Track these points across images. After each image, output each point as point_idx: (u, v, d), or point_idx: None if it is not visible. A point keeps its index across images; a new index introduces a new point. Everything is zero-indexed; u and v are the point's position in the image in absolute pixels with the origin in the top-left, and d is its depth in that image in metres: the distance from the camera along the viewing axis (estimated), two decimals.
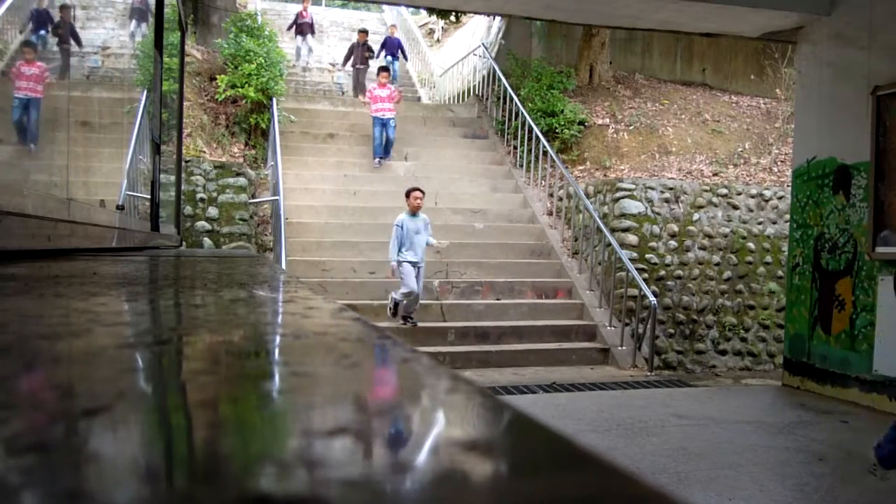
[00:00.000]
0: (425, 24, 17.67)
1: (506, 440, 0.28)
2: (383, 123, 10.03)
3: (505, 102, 11.14)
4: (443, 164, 10.41)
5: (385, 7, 17.50)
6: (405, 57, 15.07)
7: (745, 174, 10.33)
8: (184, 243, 6.78)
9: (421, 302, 7.84)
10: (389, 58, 14.43)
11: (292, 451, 0.25)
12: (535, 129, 9.82)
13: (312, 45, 15.38)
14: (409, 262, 7.21)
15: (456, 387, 0.34)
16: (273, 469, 0.23)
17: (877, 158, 5.69)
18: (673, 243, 8.50)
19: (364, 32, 13.76)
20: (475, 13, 12.02)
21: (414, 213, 7.41)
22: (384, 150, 10.11)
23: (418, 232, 7.32)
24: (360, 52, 13.29)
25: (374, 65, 13.91)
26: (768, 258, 8.76)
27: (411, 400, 0.35)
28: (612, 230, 8.25)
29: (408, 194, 7.52)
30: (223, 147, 9.82)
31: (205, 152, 9.24)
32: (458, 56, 13.51)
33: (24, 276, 1.12)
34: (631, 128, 11.01)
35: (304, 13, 15.23)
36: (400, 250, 7.23)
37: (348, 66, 13.53)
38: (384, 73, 10.35)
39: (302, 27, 15.15)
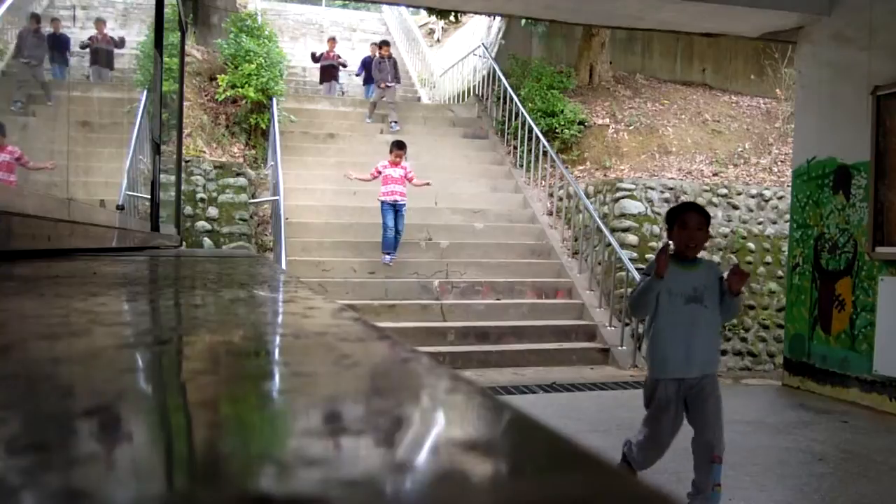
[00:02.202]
0: (425, 24, 17.67)
1: (506, 440, 0.28)
2: (395, 209, 8.08)
3: (505, 102, 11.14)
4: (443, 163, 10.41)
5: (385, 7, 17.49)
6: (397, 80, 12.43)
7: (745, 174, 10.33)
8: (184, 243, 6.78)
9: (421, 302, 7.85)
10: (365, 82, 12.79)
11: (292, 451, 0.25)
12: (535, 129, 9.82)
13: (335, 92, 13.07)
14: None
15: (456, 387, 0.34)
16: (273, 469, 0.23)
17: (877, 158, 5.69)
18: None
19: (386, 45, 12.03)
20: (475, 13, 12.02)
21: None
22: (395, 243, 8.16)
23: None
24: (388, 66, 11.52)
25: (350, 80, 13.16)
26: (768, 258, 8.76)
27: (411, 400, 0.35)
28: (612, 230, 8.25)
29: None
30: (223, 147, 9.82)
31: (205, 152, 9.24)
32: (458, 56, 13.51)
33: (24, 276, 1.12)
34: (631, 128, 11.01)
35: (329, 53, 12.99)
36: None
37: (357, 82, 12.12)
38: (399, 151, 8.18)
39: (328, 70, 12.84)
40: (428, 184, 8.39)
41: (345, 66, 13.17)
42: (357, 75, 13.28)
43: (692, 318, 3.28)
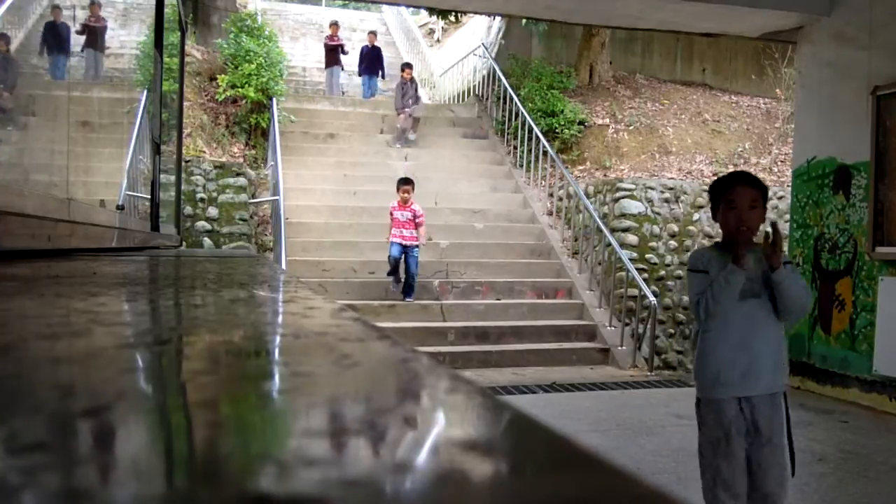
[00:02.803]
0: (425, 24, 17.67)
1: (506, 440, 0.28)
2: (405, 250, 7.64)
3: (505, 102, 11.14)
4: (443, 163, 10.41)
5: (385, 7, 17.49)
6: (382, 73, 13.22)
7: None
8: (184, 243, 6.78)
9: (421, 302, 7.85)
10: (365, 77, 13.05)
11: (292, 451, 0.25)
12: (535, 129, 9.82)
13: (339, 78, 13.25)
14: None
15: (456, 387, 0.34)
16: (273, 469, 0.23)
17: (877, 158, 5.69)
18: (673, 243, 8.50)
19: (409, 67, 11.53)
20: (475, 13, 12.01)
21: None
22: (408, 287, 7.72)
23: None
24: (411, 89, 11.12)
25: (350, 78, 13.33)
26: None
27: (411, 400, 0.35)
28: (612, 230, 8.25)
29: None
30: (223, 147, 9.82)
31: (205, 152, 9.24)
32: (458, 56, 13.51)
33: (24, 276, 1.12)
34: (631, 128, 11.01)
35: (333, 37, 13.19)
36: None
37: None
38: (406, 187, 7.73)
39: (331, 54, 13.08)
40: (430, 239, 8.20)
41: (346, 52, 13.30)
42: (360, 74, 13.28)
43: (750, 316, 2.53)
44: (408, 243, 7.65)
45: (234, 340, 0.56)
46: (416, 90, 11.32)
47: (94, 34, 2.40)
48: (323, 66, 13.72)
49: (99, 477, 0.23)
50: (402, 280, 7.76)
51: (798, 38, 6.67)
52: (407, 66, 11.51)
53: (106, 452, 0.26)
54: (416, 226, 7.71)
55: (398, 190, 7.81)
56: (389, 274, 7.81)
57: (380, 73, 13.21)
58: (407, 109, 10.92)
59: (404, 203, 7.75)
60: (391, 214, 7.79)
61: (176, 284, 1.26)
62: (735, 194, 2.56)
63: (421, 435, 0.29)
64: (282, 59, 10.70)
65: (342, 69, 13.35)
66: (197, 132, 9.51)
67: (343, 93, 13.14)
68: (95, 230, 2.13)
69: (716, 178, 2.81)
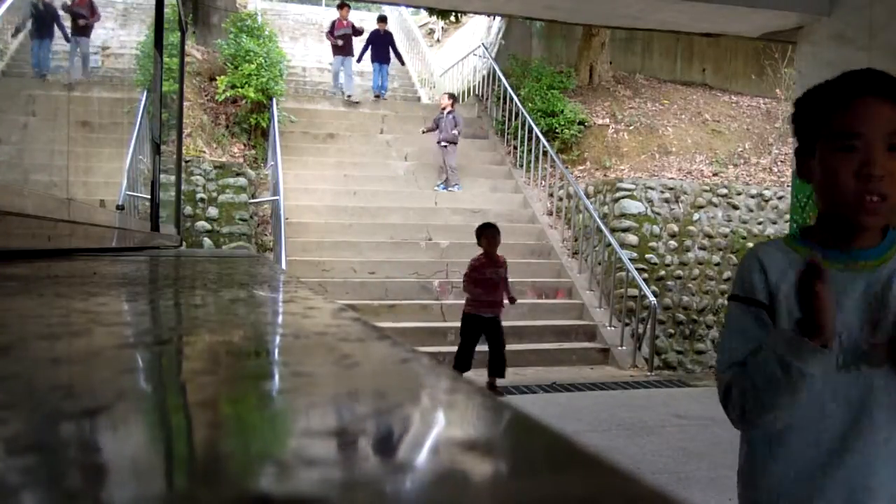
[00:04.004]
0: (425, 24, 17.67)
1: (506, 440, 0.28)
2: (488, 325, 5.88)
3: (505, 102, 11.14)
4: (441, 164, 10.41)
5: (385, 7, 17.47)
6: (399, 58, 12.46)
7: (745, 174, 10.34)
8: (184, 243, 6.78)
9: (421, 302, 7.84)
10: (377, 64, 12.02)
11: (292, 451, 0.25)
12: (535, 129, 9.82)
13: (352, 69, 11.95)
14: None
15: (456, 387, 0.34)
16: (273, 469, 0.23)
17: None
18: (673, 243, 8.50)
19: (452, 98, 10.31)
20: (475, 13, 12.01)
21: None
22: (499, 362, 5.82)
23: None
24: (450, 123, 9.85)
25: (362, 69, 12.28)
26: None
27: (411, 400, 0.35)
28: (612, 230, 8.25)
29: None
30: (223, 147, 9.82)
31: (205, 152, 9.24)
32: (458, 56, 13.51)
33: (24, 276, 1.12)
34: (631, 128, 11.01)
35: (342, 21, 11.90)
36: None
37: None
38: (496, 237, 5.86)
39: (340, 42, 11.79)
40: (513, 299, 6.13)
41: (360, 32, 12.07)
42: (372, 61, 12.16)
43: (859, 406, 1.23)
44: (496, 312, 5.86)
45: (234, 340, 0.56)
46: (455, 119, 9.97)
47: (81, 24, 2.32)
48: (323, 65, 13.44)
49: (98, 477, 0.23)
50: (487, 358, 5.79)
51: (798, 38, 6.67)
52: (451, 97, 10.33)
53: (105, 452, 0.26)
54: (506, 282, 5.94)
55: (482, 239, 5.81)
56: (459, 367, 5.60)
57: (391, 60, 12.27)
58: (446, 143, 9.77)
59: (491, 259, 5.75)
60: (470, 276, 5.83)
61: (176, 284, 1.26)
62: (857, 119, 1.21)
63: (421, 435, 0.29)
64: (282, 59, 10.70)
65: (355, 58, 12.04)
66: (197, 132, 9.51)
67: (349, 96, 11.70)
68: (95, 230, 2.14)
69: (813, 88, 1.34)
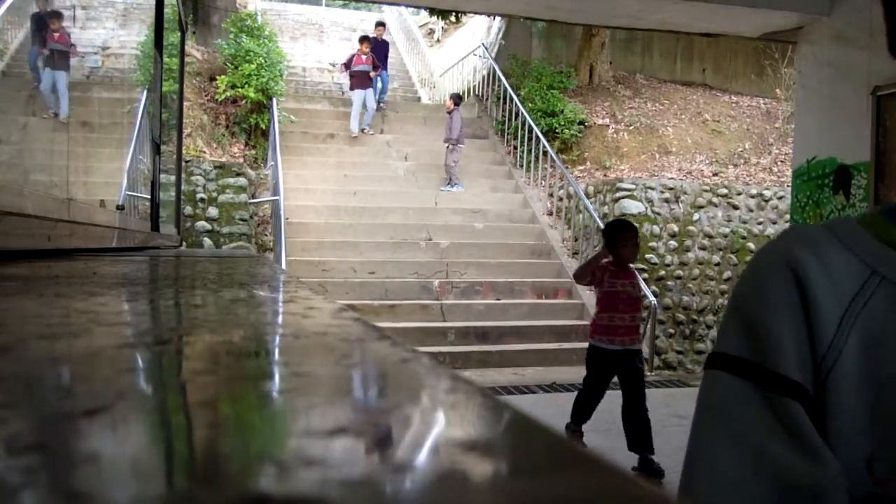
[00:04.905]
0: (425, 24, 17.67)
1: (506, 440, 0.28)
2: (622, 359, 4.46)
3: (505, 102, 11.14)
4: (443, 163, 10.41)
5: (385, 7, 17.46)
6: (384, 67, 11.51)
7: (745, 174, 10.34)
8: (184, 243, 6.78)
9: (421, 302, 7.84)
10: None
11: (292, 452, 0.25)
12: (535, 129, 9.82)
13: (374, 101, 10.86)
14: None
15: (456, 387, 0.34)
16: (273, 469, 0.23)
17: (877, 158, 5.69)
18: (673, 243, 8.50)
19: (459, 99, 10.18)
20: (475, 13, 12.01)
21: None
22: (646, 435, 4.41)
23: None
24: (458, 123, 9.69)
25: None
26: None
27: (411, 400, 0.35)
28: None
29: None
30: (223, 147, 9.83)
31: (205, 152, 9.25)
32: (458, 56, 13.52)
33: (24, 276, 1.12)
34: (631, 128, 11.01)
35: (360, 57, 10.80)
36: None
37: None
38: (634, 239, 4.39)
39: (357, 77, 10.71)
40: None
41: (378, 68, 11.08)
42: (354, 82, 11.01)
43: None
44: (633, 342, 4.44)
45: (235, 340, 0.56)
46: (461, 121, 9.96)
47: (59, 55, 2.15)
48: (323, 65, 13.33)
49: (99, 477, 0.23)
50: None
51: (798, 38, 6.67)
52: (456, 97, 10.20)
53: (106, 453, 0.26)
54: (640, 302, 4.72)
55: (617, 244, 4.28)
56: (577, 419, 4.50)
57: (388, 64, 11.88)
58: (451, 145, 9.78)
59: (624, 269, 4.35)
60: (600, 287, 4.42)
61: (176, 284, 1.26)
62: None
63: (421, 435, 0.29)
64: (282, 59, 10.69)
65: (374, 90, 10.94)
66: (197, 132, 9.51)
67: (343, 93, 11.51)
68: (95, 230, 2.14)
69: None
